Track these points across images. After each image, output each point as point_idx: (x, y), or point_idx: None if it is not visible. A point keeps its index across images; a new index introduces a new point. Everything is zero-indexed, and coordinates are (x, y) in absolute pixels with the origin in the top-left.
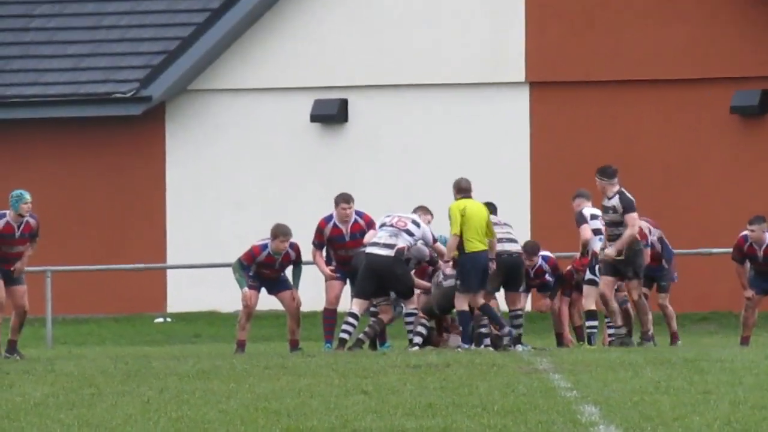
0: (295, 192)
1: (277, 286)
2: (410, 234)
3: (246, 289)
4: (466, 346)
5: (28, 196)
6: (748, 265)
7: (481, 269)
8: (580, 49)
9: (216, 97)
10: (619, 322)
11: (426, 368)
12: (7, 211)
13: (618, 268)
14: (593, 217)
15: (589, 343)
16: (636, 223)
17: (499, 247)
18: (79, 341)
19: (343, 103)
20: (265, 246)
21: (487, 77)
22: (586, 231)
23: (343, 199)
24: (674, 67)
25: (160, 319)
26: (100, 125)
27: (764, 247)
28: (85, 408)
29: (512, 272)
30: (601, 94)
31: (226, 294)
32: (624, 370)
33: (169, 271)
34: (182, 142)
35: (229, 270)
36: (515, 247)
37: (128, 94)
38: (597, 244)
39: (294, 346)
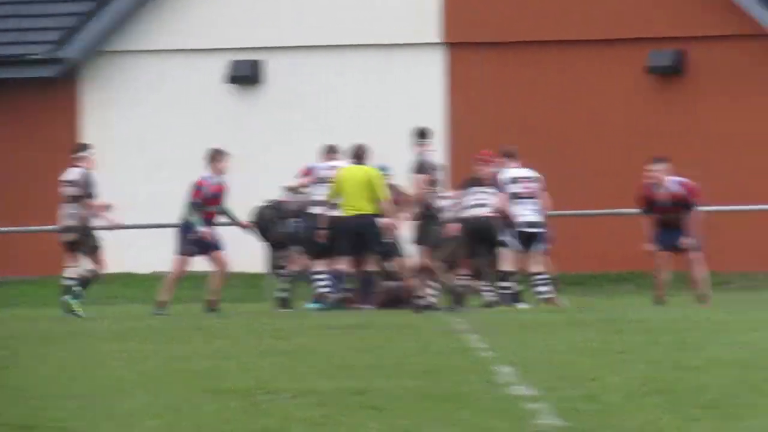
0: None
1: (212, 245)
2: None
3: (203, 228)
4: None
5: None
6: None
7: (353, 233)
8: (497, 10)
9: (131, 58)
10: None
11: (342, 329)
12: None
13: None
14: (513, 180)
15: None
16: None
17: (465, 213)
18: None
19: (258, 64)
20: (206, 177)
21: (403, 38)
22: (502, 199)
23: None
24: (590, 27)
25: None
26: (14, 87)
27: (668, 190)
28: (0, 370)
29: (480, 235)
30: (518, 54)
31: (142, 255)
32: (540, 331)
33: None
34: (97, 104)
35: (145, 231)
36: (483, 211)
37: (42, 56)
38: (516, 209)
39: (213, 306)
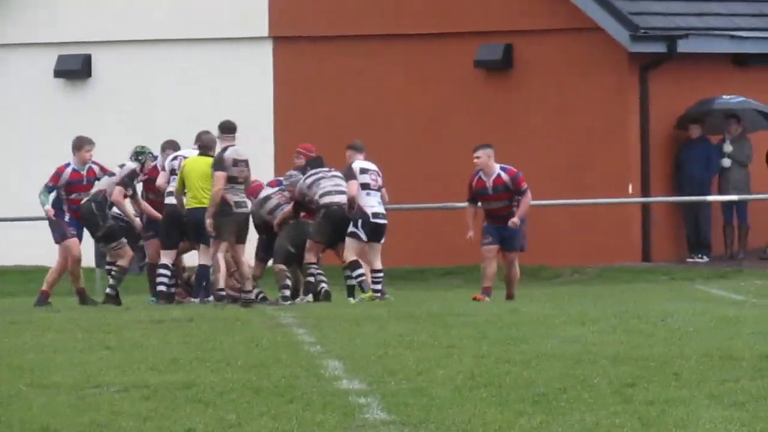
0: (39, 147)
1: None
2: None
3: (49, 206)
4: (208, 299)
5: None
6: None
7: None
8: (324, 3)
9: None
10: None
11: (169, 323)
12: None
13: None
14: (363, 171)
15: (363, 290)
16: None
17: (327, 198)
18: None
19: (87, 59)
20: (68, 164)
21: (231, 32)
22: (353, 186)
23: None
24: (418, 21)
25: None
26: None
27: (493, 177)
28: None
29: (342, 223)
30: (346, 48)
31: None
32: (368, 325)
33: None
34: None
35: None
36: (343, 199)
37: None
38: (365, 199)
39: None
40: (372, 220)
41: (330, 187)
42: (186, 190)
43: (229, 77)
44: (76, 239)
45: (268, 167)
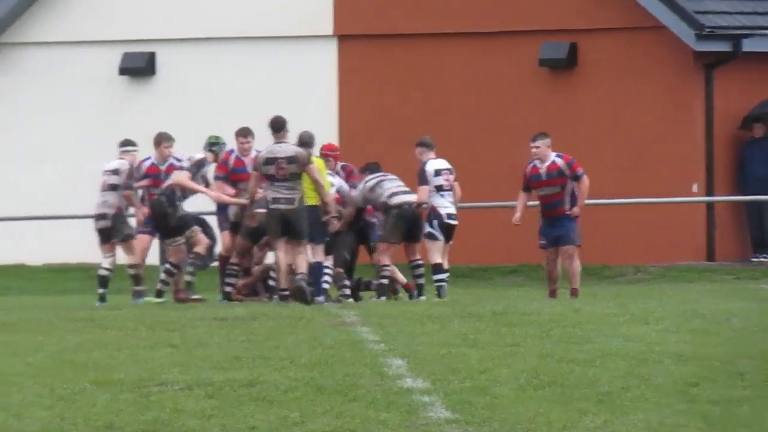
0: (102, 144)
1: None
2: None
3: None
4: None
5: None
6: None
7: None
8: (388, 1)
9: (25, 50)
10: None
11: (233, 321)
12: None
13: None
14: (437, 173)
15: (439, 295)
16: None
17: (397, 199)
18: None
19: (151, 56)
20: (148, 157)
21: (295, 30)
22: (423, 193)
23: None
24: (482, 19)
25: None
26: None
27: (548, 163)
28: None
29: (411, 223)
30: (410, 46)
31: (32, 247)
32: (431, 323)
33: None
34: None
35: (36, 223)
36: (412, 197)
37: None
38: (439, 200)
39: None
40: (445, 221)
41: (395, 188)
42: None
43: (294, 75)
44: (142, 236)
45: None
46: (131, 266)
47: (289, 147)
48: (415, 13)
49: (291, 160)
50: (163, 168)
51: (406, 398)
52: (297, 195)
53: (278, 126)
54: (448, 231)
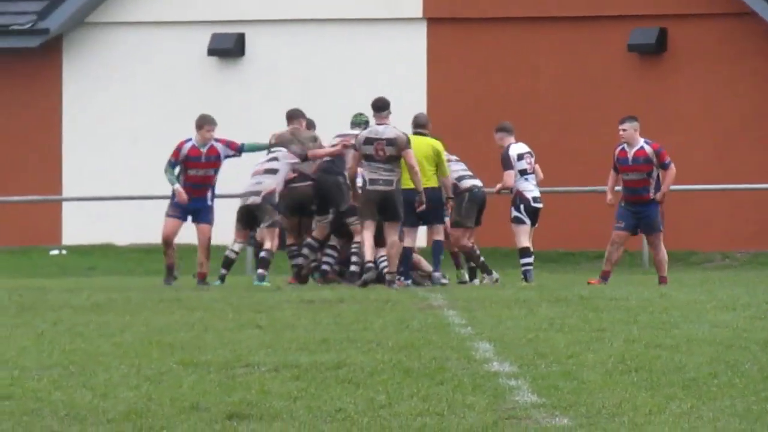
0: (191, 125)
1: (199, 215)
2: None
3: (177, 185)
4: (407, 281)
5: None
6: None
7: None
8: None
9: (114, 30)
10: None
11: (320, 303)
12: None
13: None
14: (519, 157)
15: (526, 280)
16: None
17: (468, 182)
18: None
19: (240, 37)
20: (189, 139)
21: (384, 13)
22: (509, 178)
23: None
24: (572, 4)
25: (55, 252)
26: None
27: (636, 149)
28: None
29: (483, 206)
30: (499, 31)
31: (121, 227)
32: (518, 308)
33: (64, 204)
34: (79, 75)
35: (125, 203)
36: (479, 182)
37: (25, 26)
38: (524, 184)
39: (201, 278)
40: (532, 204)
41: (462, 171)
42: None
43: (383, 58)
44: (172, 219)
45: None
46: (266, 250)
47: (389, 129)
48: None
49: (390, 142)
50: (203, 150)
51: (493, 382)
52: (395, 177)
53: (380, 106)
54: (534, 215)
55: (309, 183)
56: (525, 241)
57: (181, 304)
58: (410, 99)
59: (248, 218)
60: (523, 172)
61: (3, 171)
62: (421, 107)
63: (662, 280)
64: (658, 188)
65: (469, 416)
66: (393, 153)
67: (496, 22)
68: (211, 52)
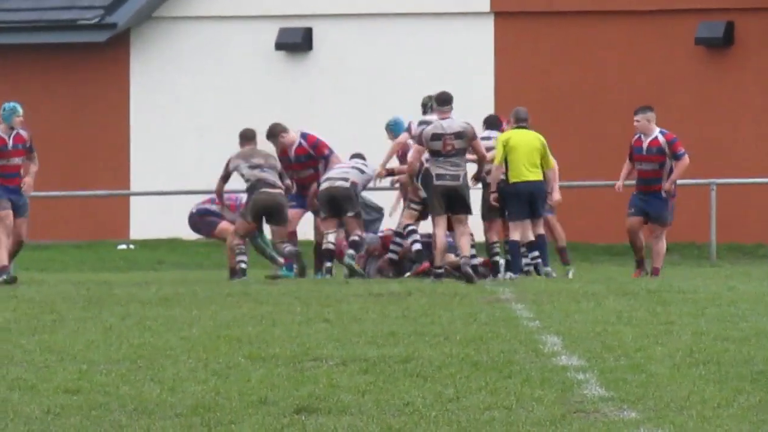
0: (259, 120)
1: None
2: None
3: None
4: (515, 275)
5: (20, 110)
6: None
7: (525, 199)
8: None
9: (181, 24)
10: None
11: (388, 297)
12: None
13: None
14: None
15: (537, 272)
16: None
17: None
18: (41, 267)
19: (308, 32)
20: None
21: (451, 7)
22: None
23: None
24: None
25: (123, 246)
26: (65, 52)
27: (651, 138)
28: (46, 333)
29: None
30: (566, 24)
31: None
32: (586, 301)
33: (132, 198)
34: (146, 70)
35: (192, 197)
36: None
37: (93, 21)
38: None
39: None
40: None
41: None
42: (510, 164)
43: (450, 52)
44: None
45: None
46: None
47: (455, 122)
48: None
49: (458, 135)
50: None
51: (561, 375)
52: (462, 171)
53: (445, 100)
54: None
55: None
56: (529, 235)
57: (249, 298)
58: (478, 93)
59: (335, 204)
60: None
61: (71, 166)
62: (489, 101)
63: (655, 271)
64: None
65: (538, 410)
66: (462, 145)
67: (563, 15)
68: (279, 46)
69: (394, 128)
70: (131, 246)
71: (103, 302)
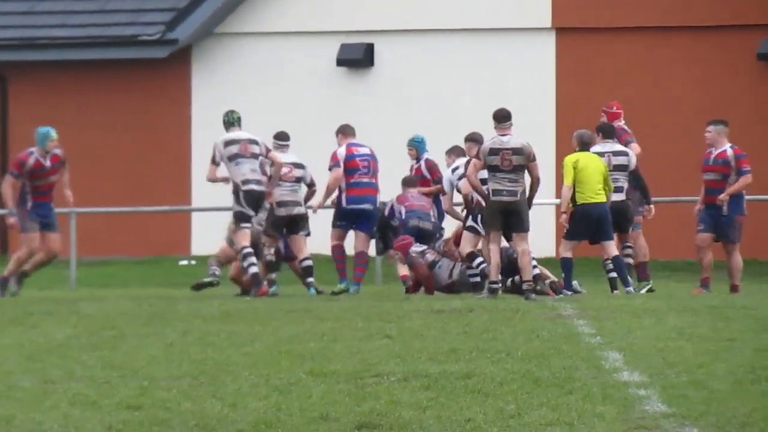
0: (320, 135)
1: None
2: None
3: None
4: (568, 292)
5: (54, 134)
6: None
7: (594, 220)
8: None
9: (242, 40)
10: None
11: (449, 313)
12: (34, 149)
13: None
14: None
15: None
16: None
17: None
18: (102, 283)
19: (369, 48)
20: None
21: (513, 23)
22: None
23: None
24: (701, 13)
25: (185, 262)
26: (126, 68)
27: (719, 151)
28: (107, 350)
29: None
30: (627, 39)
31: None
32: (648, 317)
33: (193, 214)
34: (208, 86)
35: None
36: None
37: (154, 37)
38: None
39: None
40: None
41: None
42: (577, 186)
43: (512, 67)
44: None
45: (549, 156)
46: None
47: (514, 138)
48: (632, 6)
49: (516, 151)
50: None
51: (623, 392)
52: (520, 188)
53: (502, 117)
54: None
55: None
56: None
57: (311, 314)
58: (539, 109)
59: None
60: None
61: (133, 181)
62: (550, 117)
63: (734, 288)
64: (737, 199)
65: (599, 426)
66: (520, 162)
67: (624, 31)
68: (340, 62)
69: (418, 146)
70: (192, 262)
71: (165, 318)
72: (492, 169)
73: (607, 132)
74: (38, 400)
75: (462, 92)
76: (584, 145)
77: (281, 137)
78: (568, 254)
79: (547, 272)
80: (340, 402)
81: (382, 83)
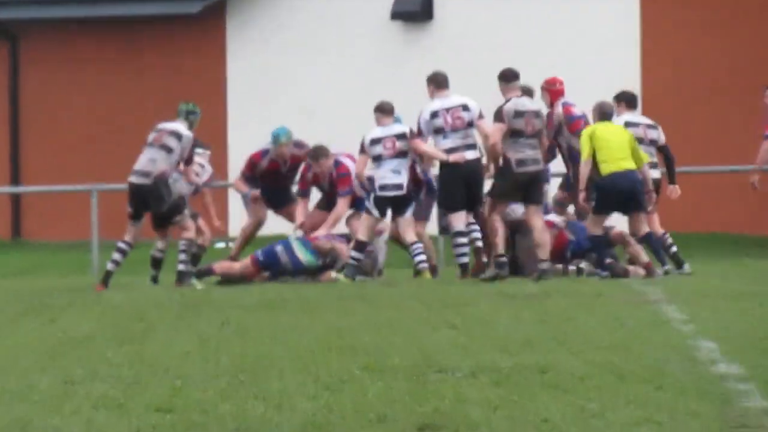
0: (371, 97)
1: None
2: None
3: None
4: (604, 273)
5: (282, 138)
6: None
7: (624, 189)
8: None
9: None
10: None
11: (522, 299)
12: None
13: None
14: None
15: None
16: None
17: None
18: (129, 269)
19: (428, 0)
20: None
21: None
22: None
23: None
24: None
25: (221, 244)
26: (153, 25)
27: None
28: (135, 344)
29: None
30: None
31: None
32: (747, 301)
33: (230, 191)
34: (245, 42)
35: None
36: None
37: None
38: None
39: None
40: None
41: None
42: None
43: (588, 22)
44: None
45: None
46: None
47: (529, 100)
48: None
49: (538, 114)
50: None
51: (720, 386)
52: (540, 155)
53: (513, 76)
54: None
55: None
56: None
57: (365, 303)
58: (622, 68)
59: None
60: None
61: None
62: (634, 72)
63: None
64: None
65: (694, 425)
66: (540, 126)
67: None
68: (395, 15)
69: None
70: (230, 244)
71: (199, 308)
72: (515, 134)
73: (631, 101)
74: (57, 402)
75: (532, 49)
76: (604, 116)
77: (384, 109)
78: (598, 231)
79: (639, 250)
80: (399, 401)
81: (442, 39)
